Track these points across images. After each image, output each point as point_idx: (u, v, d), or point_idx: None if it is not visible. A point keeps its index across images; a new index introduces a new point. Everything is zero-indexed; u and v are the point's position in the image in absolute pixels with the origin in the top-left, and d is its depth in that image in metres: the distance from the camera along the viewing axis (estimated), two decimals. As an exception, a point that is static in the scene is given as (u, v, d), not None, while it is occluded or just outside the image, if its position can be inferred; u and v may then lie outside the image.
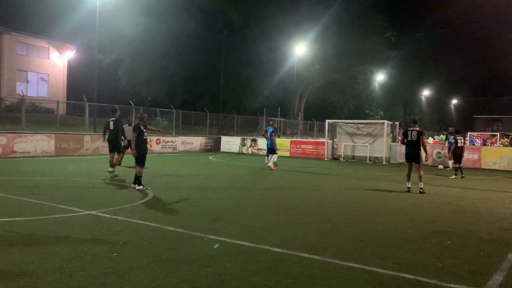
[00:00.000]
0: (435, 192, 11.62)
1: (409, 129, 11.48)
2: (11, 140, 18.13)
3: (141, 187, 10.19)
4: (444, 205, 9.41)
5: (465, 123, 70.22)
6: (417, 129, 11.34)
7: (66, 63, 37.06)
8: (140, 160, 10.32)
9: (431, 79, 69.75)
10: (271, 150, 16.63)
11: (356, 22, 45.09)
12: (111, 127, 13.18)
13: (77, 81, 37.39)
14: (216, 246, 5.44)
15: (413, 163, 11.29)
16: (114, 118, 13.24)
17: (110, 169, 12.87)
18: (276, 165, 16.59)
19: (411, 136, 11.26)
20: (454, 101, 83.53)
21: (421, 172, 11.17)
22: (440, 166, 20.45)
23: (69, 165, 15.68)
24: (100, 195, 9.25)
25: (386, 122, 22.99)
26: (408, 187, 11.31)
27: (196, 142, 28.22)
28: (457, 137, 15.68)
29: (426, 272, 4.80)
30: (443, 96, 77.76)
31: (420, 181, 11.13)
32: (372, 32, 47.19)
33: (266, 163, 17.05)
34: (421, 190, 11.06)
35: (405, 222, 7.47)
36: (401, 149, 22.58)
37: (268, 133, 16.70)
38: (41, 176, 12.30)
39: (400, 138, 15.76)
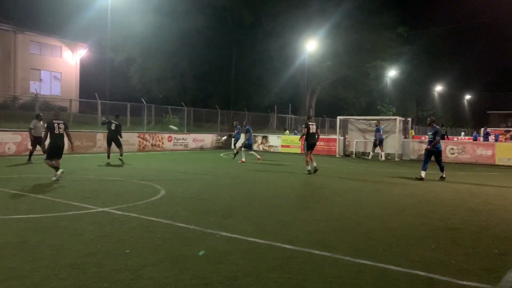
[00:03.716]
0: (448, 189, 11.51)
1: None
2: (25, 138, 18.36)
3: (54, 178, 10.72)
4: (457, 202, 9.31)
5: (479, 119, 69.42)
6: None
7: (78, 62, 37.39)
8: (51, 153, 10.94)
9: (444, 74, 69.05)
10: (250, 146, 18.69)
11: (367, 18, 44.70)
12: (113, 127, 15.91)
13: (89, 79, 37.74)
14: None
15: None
16: (117, 123, 16.03)
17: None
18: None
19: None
20: (468, 97, 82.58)
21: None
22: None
23: (82, 163, 15.83)
24: (112, 192, 9.34)
25: (398, 118, 22.79)
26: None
27: (208, 139, 28.32)
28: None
29: (439, 269, 4.76)
30: (457, 92, 76.95)
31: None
32: (384, 27, 46.78)
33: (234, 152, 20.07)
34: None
35: (418, 219, 7.41)
36: (414, 145, 22.43)
37: (251, 132, 18.48)
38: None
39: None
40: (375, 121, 22.38)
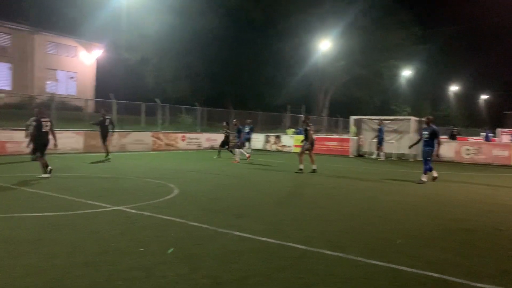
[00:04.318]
0: (463, 189, 11.38)
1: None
2: (41, 137, 18.62)
3: (46, 175, 10.99)
4: (472, 203, 9.20)
5: (495, 119, 68.33)
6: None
7: (94, 62, 37.81)
8: (38, 150, 11.17)
9: (460, 74, 68.09)
10: (242, 145, 18.66)
11: (381, 17, 44.27)
12: (107, 123, 16.49)
13: (104, 79, 38.11)
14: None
15: None
16: (110, 117, 16.90)
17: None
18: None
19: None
20: (484, 97, 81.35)
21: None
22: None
23: (98, 162, 16.00)
24: (127, 191, 9.43)
25: (412, 118, 22.57)
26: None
27: (220, 138, 28.29)
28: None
29: (453, 271, 4.72)
30: (472, 92, 75.80)
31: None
32: (399, 27, 46.29)
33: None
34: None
35: (432, 220, 7.34)
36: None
37: (243, 132, 18.85)
38: (70, 173, 12.61)
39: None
40: (378, 121, 22.45)
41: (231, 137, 20.18)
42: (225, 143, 19.86)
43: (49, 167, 11.18)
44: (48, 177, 10.98)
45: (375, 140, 22.23)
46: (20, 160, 15.63)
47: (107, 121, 16.50)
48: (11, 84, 32.65)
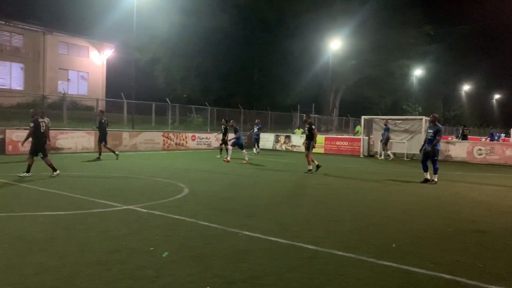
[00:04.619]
0: (474, 190, 11.26)
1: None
2: (53, 136, 18.79)
3: (25, 174, 11.01)
4: (485, 204, 9.09)
5: (508, 118, 67.52)
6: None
7: (105, 62, 38.06)
8: (40, 151, 11.20)
9: (472, 73, 67.38)
10: (241, 145, 17.74)
11: (393, 16, 43.97)
12: (106, 124, 16.66)
13: (115, 79, 38.34)
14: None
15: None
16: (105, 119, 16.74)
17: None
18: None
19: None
20: (497, 96, 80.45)
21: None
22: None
23: (108, 161, 16.12)
24: (137, 190, 9.48)
25: (424, 118, 22.38)
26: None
27: (231, 138, 28.40)
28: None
29: (465, 273, 4.66)
30: (485, 91, 75.00)
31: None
32: (410, 26, 45.95)
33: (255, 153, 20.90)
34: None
35: (443, 221, 7.27)
36: (440, 146, 21.96)
37: (239, 131, 18.05)
38: (81, 172, 12.72)
39: None
40: (384, 120, 22.35)
41: (228, 135, 19.64)
42: (223, 140, 19.72)
43: (55, 170, 11.31)
44: (54, 175, 11.13)
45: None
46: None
47: (106, 122, 16.76)
48: (23, 84, 33.01)
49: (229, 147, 17.84)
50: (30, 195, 8.63)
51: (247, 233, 6.02)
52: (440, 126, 12.28)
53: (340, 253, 5.23)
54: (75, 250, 5.06)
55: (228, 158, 17.47)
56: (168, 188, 9.93)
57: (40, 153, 11.19)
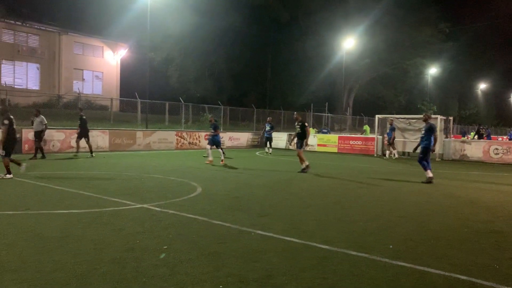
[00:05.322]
0: (491, 190, 11.09)
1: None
2: (68, 135, 19.06)
3: (9, 176, 10.35)
4: (501, 204, 8.95)
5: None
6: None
7: (119, 62, 38.41)
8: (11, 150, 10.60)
9: (488, 71, 66.37)
10: (218, 143, 16.24)
11: (407, 14, 43.44)
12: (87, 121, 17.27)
13: (129, 79, 38.69)
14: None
15: None
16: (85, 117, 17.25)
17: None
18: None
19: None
20: (514, 95, 79.13)
21: None
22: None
23: (122, 160, 16.26)
24: (151, 189, 9.54)
25: (439, 117, 22.10)
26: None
27: (243, 137, 28.46)
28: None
29: (481, 274, 4.60)
30: (502, 90, 73.81)
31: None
32: (425, 24, 45.39)
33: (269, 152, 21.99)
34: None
35: (459, 222, 7.18)
36: (455, 145, 21.72)
37: (219, 128, 16.80)
38: (96, 170, 12.86)
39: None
40: (391, 119, 22.24)
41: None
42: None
43: (10, 173, 10.46)
44: (6, 178, 10.33)
45: (397, 139, 22.02)
46: (48, 157, 16.01)
47: (84, 119, 17.22)
48: (39, 84, 33.47)
49: (208, 146, 16.48)
50: (45, 193, 8.74)
51: (260, 232, 6.02)
52: (432, 123, 12.40)
53: (354, 253, 5.19)
54: (90, 248, 5.11)
55: (210, 158, 16.02)
56: (181, 187, 9.98)
57: (8, 153, 10.41)
